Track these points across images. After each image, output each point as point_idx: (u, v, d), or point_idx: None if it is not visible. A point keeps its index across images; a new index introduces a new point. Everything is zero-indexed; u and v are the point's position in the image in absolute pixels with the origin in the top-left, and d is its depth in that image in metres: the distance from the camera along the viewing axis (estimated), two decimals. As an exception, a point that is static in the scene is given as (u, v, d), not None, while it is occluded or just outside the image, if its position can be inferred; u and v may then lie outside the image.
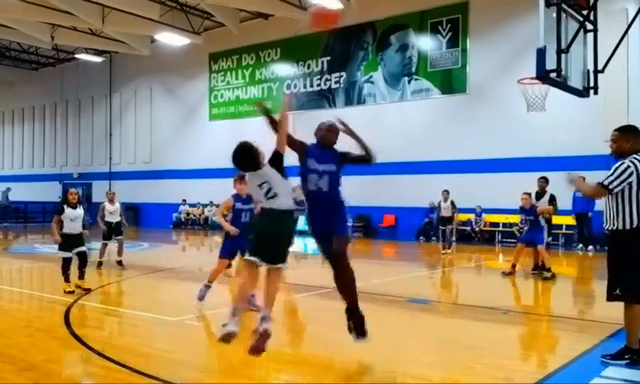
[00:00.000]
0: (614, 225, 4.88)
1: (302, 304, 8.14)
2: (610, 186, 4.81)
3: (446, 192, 15.52)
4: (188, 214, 25.89)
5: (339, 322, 7.06)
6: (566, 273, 13.02)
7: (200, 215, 25.37)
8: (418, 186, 19.57)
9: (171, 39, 23.19)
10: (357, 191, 21.58)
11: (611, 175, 4.84)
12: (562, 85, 7.18)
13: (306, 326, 6.76)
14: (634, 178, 4.77)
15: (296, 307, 8.04)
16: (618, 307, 4.85)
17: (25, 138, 35.12)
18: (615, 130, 5.09)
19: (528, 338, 6.16)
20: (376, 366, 5.03)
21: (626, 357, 4.83)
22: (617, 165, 4.89)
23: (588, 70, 7.76)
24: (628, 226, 4.81)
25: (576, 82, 7.49)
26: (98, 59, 28.63)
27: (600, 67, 7.81)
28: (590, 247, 15.80)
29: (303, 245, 18.71)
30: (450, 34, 19.29)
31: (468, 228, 18.90)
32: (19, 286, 10.36)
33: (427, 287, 10.47)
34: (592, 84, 7.83)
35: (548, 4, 6.72)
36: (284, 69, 23.51)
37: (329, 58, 22.20)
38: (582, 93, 7.79)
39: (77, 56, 28.08)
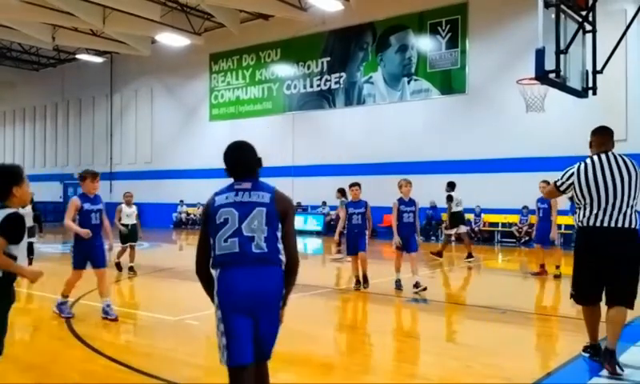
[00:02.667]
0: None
1: (302, 304, 8.16)
2: (558, 185, 5.01)
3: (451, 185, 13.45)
4: (188, 213, 25.93)
5: (339, 321, 7.09)
6: (566, 272, 13.03)
7: (200, 215, 25.39)
8: (418, 186, 19.49)
9: (172, 40, 23.22)
10: (357, 191, 21.66)
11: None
12: (561, 85, 7.18)
13: (305, 326, 6.78)
14: (573, 179, 4.83)
15: (296, 307, 8.06)
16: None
17: (26, 138, 35.15)
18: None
19: (527, 337, 6.17)
20: (376, 365, 5.05)
21: (588, 350, 5.06)
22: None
23: (587, 71, 7.76)
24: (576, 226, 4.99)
25: (575, 82, 7.49)
26: (98, 60, 28.66)
27: (599, 68, 7.81)
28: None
29: (303, 245, 18.75)
30: (449, 34, 19.31)
31: (467, 228, 18.88)
32: (19, 286, 10.37)
33: (427, 287, 10.47)
34: (591, 84, 7.83)
35: (547, 5, 6.73)
36: (284, 69, 23.53)
37: (329, 58, 22.22)
38: (581, 93, 7.79)
39: (78, 56, 28.12)
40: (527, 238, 17.55)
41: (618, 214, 4.61)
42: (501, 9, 18.07)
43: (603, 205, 4.64)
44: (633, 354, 5.29)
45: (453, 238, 14.58)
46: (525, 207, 17.58)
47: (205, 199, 3.15)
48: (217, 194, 3.14)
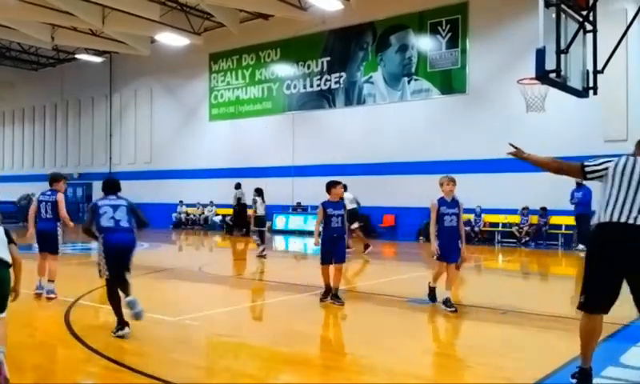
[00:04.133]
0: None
1: (302, 304, 8.14)
2: (586, 166, 4.56)
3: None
4: (188, 214, 25.91)
5: (339, 321, 7.08)
6: (566, 273, 13.03)
7: (200, 215, 25.39)
8: (418, 186, 19.57)
9: (171, 39, 23.21)
10: (357, 191, 21.62)
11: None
12: (562, 85, 7.18)
13: (305, 326, 6.77)
14: (609, 165, 4.44)
15: (296, 307, 8.04)
16: (618, 307, 4.78)
17: (25, 138, 35.13)
18: None
19: (528, 337, 6.16)
20: (376, 365, 5.04)
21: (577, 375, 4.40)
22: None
23: (587, 71, 7.77)
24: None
25: (575, 82, 7.49)
26: (98, 59, 28.65)
27: (599, 67, 7.82)
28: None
29: (303, 245, 18.73)
30: (449, 34, 19.30)
31: (467, 228, 18.88)
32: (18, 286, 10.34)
33: (427, 287, 10.46)
34: (591, 84, 7.83)
35: (547, 4, 6.73)
36: (284, 69, 23.52)
37: (329, 58, 22.21)
38: (582, 93, 7.80)
39: (77, 56, 28.11)
40: (527, 239, 17.54)
41: None
42: (501, 9, 18.06)
43: (630, 202, 4.20)
44: (633, 354, 5.28)
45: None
46: (525, 208, 17.57)
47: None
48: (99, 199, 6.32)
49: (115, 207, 6.12)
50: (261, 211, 14.09)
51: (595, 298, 4.25)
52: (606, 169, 4.45)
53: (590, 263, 4.35)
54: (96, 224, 6.03)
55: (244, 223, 20.04)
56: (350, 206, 13.77)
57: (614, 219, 4.21)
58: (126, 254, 6.09)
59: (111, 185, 6.37)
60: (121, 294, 5.96)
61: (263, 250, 13.86)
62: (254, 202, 14.17)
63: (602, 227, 4.29)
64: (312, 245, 16.54)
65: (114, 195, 6.27)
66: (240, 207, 19.43)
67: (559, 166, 4.89)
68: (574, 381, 4.36)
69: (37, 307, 7.86)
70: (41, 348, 5.61)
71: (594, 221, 4.44)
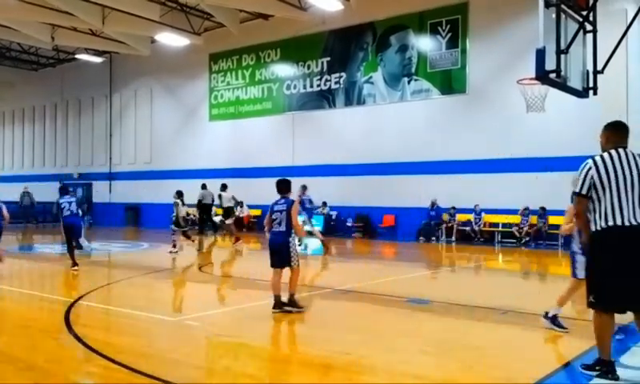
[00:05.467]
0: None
1: (302, 304, 8.14)
2: (582, 191, 4.54)
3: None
4: (188, 214, 25.85)
5: (339, 321, 7.07)
6: (566, 273, 13.02)
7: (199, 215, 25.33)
8: (418, 186, 19.60)
9: (171, 40, 23.20)
10: (357, 191, 21.65)
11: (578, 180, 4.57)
12: (562, 85, 7.18)
13: (305, 326, 6.77)
14: (592, 173, 4.50)
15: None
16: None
17: (25, 139, 35.13)
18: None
19: (528, 337, 6.16)
20: (376, 365, 5.04)
21: (597, 368, 4.55)
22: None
23: (587, 71, 7.77)
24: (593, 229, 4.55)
25: (575, 82, 7.49)
26: (98, 59, 28.65)
27: (599, 68, 7.81)
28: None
29: (303, 245, 18.74)
30: (449, 34, 19.30)
31: (467, 228, 18.91)
32: (19, 286, 10.36)
33: (427, 287, 10.48)
34: (591, 84, 7.83)
35: (547, 4, 6.72)
36: (284, 69, 23.52)
37: (329, 58, 22.21)
38: (582, 93, 7.80)
39: (77, 56, 28.10)
40: (527, 239, 17.54)
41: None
42: (501, 9, 18.06)
43: (624, 200, 4.37)
44: (633, 354, 5.28)
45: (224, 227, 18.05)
46: (526, 208, 17.57)
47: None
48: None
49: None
50: (226, 204, 17.19)
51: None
52: (589, 170, 4.53)
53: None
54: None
55: (209, 222, 20.31)
56: (226, 204, 17.05)
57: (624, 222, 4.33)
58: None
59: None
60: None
61: (238, 239, 16.55)
62: (220, 197, 17.12)
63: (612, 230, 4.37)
64: (313, 245, 16.60)
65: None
66: (201, 208, 19.77)
67: (584, 219, 4.68)
68: (594, 372, 4.50)
69: (37, 307, 7.86)
70: (40, 348, 5.61)
71: (601, 224, 4.44)
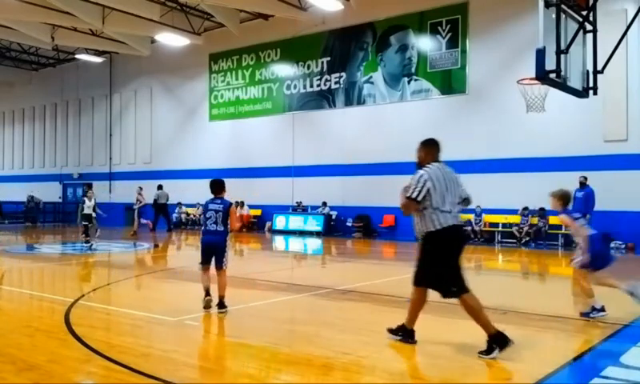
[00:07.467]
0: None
1: (302, 304, 8.15)
2: (417, 197, 5.30)
3: None
4: (188, 214, 25.91)
5: (339, 321, 7.07)
6: (565, 273, 13.02)
7: (200, 215, 25.37)
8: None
9: (171, 40, 23.22)
10: (357, 191, 21.66)
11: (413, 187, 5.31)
12: (562, 85, 7.19)
13: (305, 326, 6.77)
14: (429, 185, 5.28)
15: (296, 307, 8.05)
16: (618, 307, 4.82)
17: (25, 139, 35.14)
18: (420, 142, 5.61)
19: (528, 338, 6.16)
20: (376, 365, 5.03)
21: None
22: (414, 175, 5.40)
23: (587, 71, 7.78)
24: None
25: (575, 82, 7.50)
26: (98, 59, 28.66)
27: (599, 68, 7.83)
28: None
29: (303, 245, 18.72)
30: (449, 34, 19.31)
31: (468, 228, 18.89)
32: (19, 286, 10.36)
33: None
34: (591, 84, 7.84)
35: (547, 5, 6.73)
36: (284, 69, 23.53)
37: (329, 58, 22.22)
38: (582, 93, 7.81)
39: (77, 56, 28.13)
40: (528, 239, 17.54)
41: (458, 213, 5.48)
42: (501, 9, 18.06)
43: (449, 206, 5.39)
44: (633, 354, 5.28)
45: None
46: (525, 208, 17.56)
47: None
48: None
49: None
50: (163, 200, 20.37)
51: None
52: (426, 180, 5.34)
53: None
54: None
55: (165, 218, 21.38)
56: (86, 211, 17.36)
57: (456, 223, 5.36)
58: None
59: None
60: None
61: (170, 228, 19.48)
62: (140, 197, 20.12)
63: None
64: (313, 245, 16.57)
65: None
66: (156, 207, 20.59)
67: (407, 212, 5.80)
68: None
69: (37, 307, 7.86)
70: (41, 348, 5.61)
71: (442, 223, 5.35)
